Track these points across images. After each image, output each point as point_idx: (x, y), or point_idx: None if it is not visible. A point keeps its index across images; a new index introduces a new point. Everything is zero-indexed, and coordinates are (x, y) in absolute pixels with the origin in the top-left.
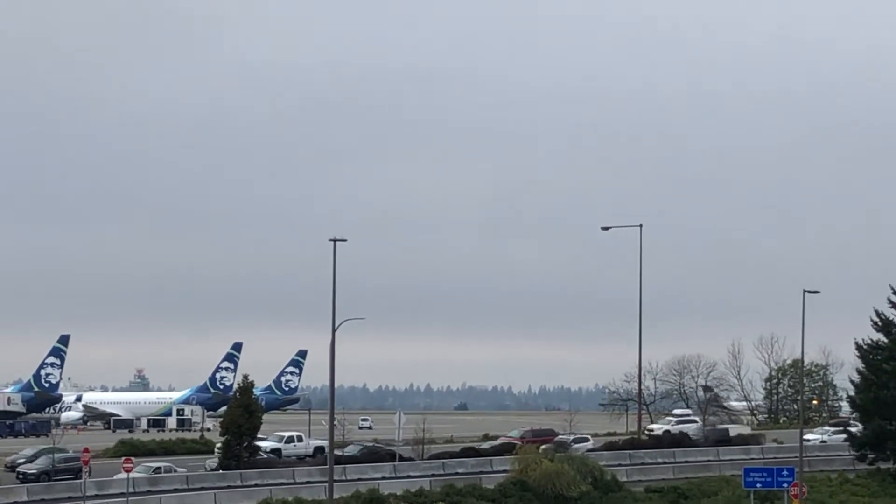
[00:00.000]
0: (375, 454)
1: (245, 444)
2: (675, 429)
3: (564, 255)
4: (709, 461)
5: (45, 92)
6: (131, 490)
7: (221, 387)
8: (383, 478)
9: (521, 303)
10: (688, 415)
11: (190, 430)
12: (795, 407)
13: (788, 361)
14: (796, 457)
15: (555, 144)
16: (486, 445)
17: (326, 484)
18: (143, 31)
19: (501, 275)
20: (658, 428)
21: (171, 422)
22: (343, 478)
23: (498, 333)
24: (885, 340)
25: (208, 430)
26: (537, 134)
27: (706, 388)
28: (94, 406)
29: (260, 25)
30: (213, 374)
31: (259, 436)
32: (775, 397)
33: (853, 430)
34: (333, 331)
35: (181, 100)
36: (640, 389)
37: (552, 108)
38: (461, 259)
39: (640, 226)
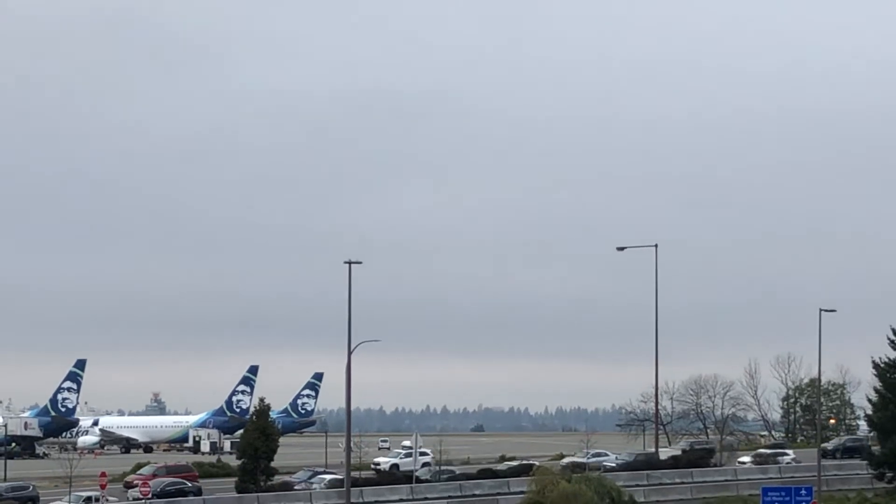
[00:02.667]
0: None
1: (262, 468)
2: (590, 461)
3: (580, 276)
4: (727, 481)
5: (61, 110)
6: None
7: (238, 410)
8: (400, 500)
9: (537, 324)
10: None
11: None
12: (813, 426)
13: (805, 380)
14: (813, 476)
15: (573, 165)
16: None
17: None
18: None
19: (517, 296)
20: (385, 462)
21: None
22: (360, 500)
23: (514, 355)
24: None
25: (225, 452)
26: (555, 156)
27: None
28: (111, 430)
29: (264, 51)
30: (230, 397)
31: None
32: (792, 416)
33: (790, 453)
34: (349, 353)
35: (197, 121)
36: (657, 410)
37: (569, 130)
38: (478, 281)
39: (656, 246)
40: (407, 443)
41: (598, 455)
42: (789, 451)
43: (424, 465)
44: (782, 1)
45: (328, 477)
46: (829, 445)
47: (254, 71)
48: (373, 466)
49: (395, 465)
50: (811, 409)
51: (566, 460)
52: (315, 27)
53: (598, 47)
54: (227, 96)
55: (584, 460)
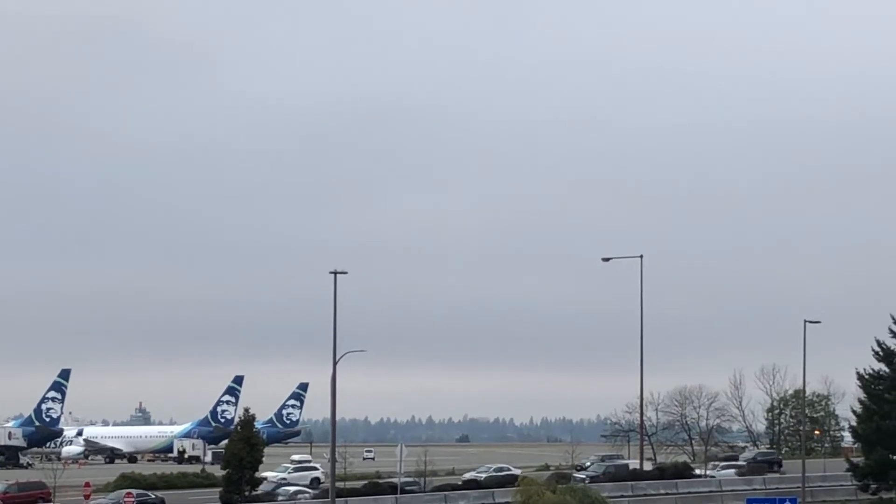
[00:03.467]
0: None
1: (247, 478)
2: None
3: (566, 286)
4: (711, 492)
5: (44, 121)
6: None
7: (223, 420)
8: None
9: (523, 334)
10: None
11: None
12: (797, 437)
13: (790, 391)
14: (798, 487)
15: (556, 174)
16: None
17: None
18: (135, 64)
19: (503, 306)
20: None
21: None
22: None
23: (499, 365)
24: (887, 370)
25: (207, 463)
26: (538, 164)
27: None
28: (96, 440)
29: (255, 60)
30: (215, 407)
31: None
32: (777, 427)
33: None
34: (334, 363)
35: (180, 133)
36: (641, 420)
37: (554, 137)
38: (463, 291)
39: (641, 256)
40: (296, 457)
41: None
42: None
43: (313, 479)
44: (770, 8)
45: (292, 489)
46: (742, 460)
47: (242, 79)
48: None
49: (283, 480)
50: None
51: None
52: (303, 35)
53: (586, 53)
54: (214, 103)
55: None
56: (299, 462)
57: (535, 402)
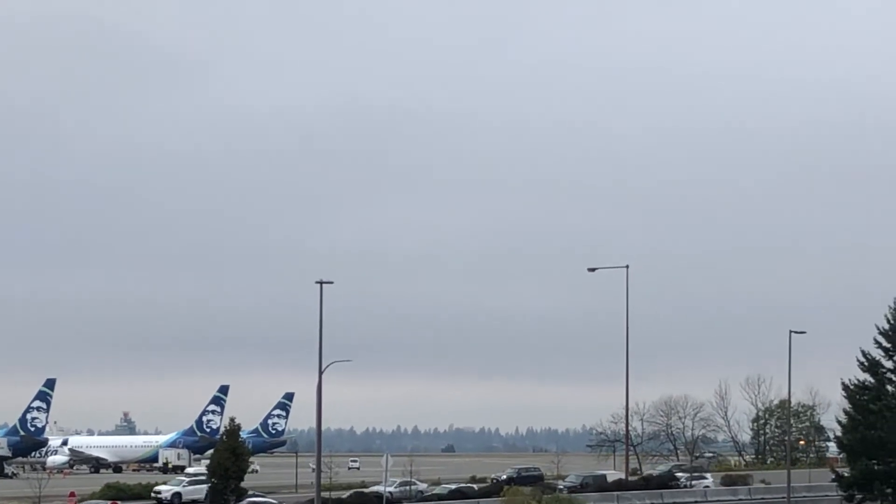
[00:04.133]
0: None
1: (232, 488)
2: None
3: (551, 296)
4: (696, 502)
5: (29, 131)
6: None
7: (208, 430)
8: None
9: (508, 344)
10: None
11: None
12: (783, 447)
13: (775, 402)
14: (783, 497)
15: (544, 184)
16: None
17: None
18: (128, 71)
19: (488, 317)
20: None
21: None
22: None
23: (484, 375)
24: (872, 380)
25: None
26: (527, 174)
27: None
28: (80, 450)
29: (247, 68)
30: (200, 417)
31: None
32: (762, 438)
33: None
34: (320, 373)
35: (166, 141)
36: (627, 430)
37: (547, 146)
38: (448, 301)
39: (627, 267)
40: (191, 469)
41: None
42: (707, 476)
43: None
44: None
45: (260, 500)
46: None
47: (227, 87)
48: (153, 495)
49: (178, 494)
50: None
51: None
52: (299, 40)
53: (574, 57)
54: (201, 111)
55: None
56: (194, 475)
57: (520, 411)
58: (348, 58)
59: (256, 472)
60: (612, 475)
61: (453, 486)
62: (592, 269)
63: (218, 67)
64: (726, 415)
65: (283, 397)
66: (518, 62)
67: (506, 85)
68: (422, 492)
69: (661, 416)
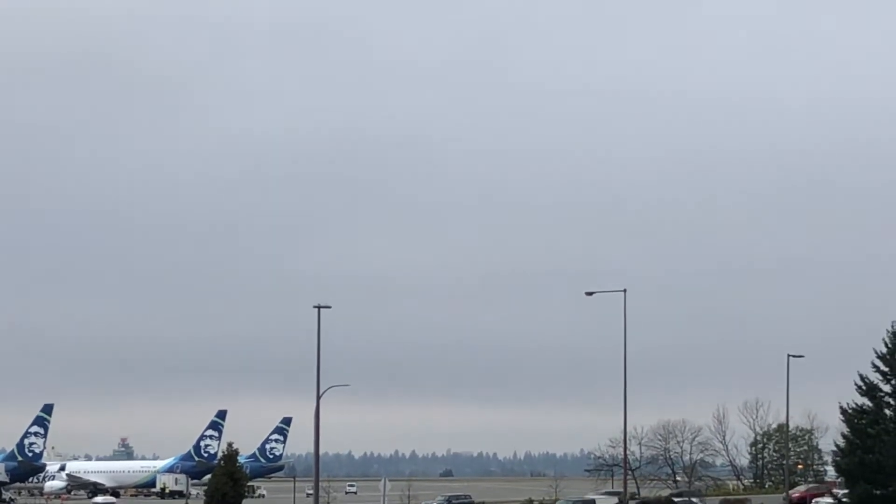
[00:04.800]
0: None
1: None
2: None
3: (549, 320)
4: None
5: (23, 157)
6: None
7: (206, 455)
8: None
9: (506, 368)
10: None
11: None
12: (781, 471)
13: (773, 426)
14: None
15: (541, 207)
16: None
17: None
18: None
19: (485, 340)
20: None
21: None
22: None
23: (482, 399)
24: (870, 404)
25: (192, 496)
26: (525, 196)
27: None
28: (78, 475)
29: (237, 92)
30: (198, 442)
31: None
32: (761, 462)
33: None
34: (318, 398)
35: (164, 165)
36: (625, 455)
37: (543, 169)
38: (445, 325)
39: (625, 291)
40: (99, 499)
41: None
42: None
43: None
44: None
45: None
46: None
47: (223, 112)
48: None
49: None
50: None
51: None
52: (284, 69)
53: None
54: (197, 137)
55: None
56: None
57: (518, 436)
58: (339, 84)
59: (264, 496)
60: (603, 500)
61: None
62: (590, 293)
63: (199, 93)
64: (724, 439)
65: (281, 422)
66: (513, 85)
67: (498, 108)
68: None
69: (660, 440)
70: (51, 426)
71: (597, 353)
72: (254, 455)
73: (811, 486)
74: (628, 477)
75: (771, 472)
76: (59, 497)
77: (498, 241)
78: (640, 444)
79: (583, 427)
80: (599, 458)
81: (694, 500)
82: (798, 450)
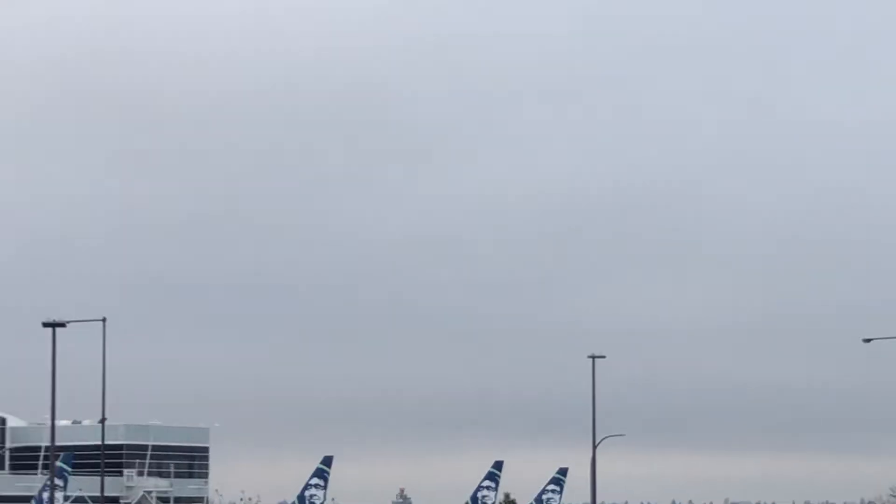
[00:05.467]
0: None
1: None
2: None
3: (825, 364)
4: None
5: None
6: None
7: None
8: None
9: (782, 414)
10: None
11: None
12: None
13: None
14: None
15: (811, 254)
16: None
17: None
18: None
19: (760, 389)
20: None
21: None
22: None
23: (757, 447)
24: None
25: None
26: (794, 237)
27: None
28: None
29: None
30: (475, 493)
31: None
32: None
33: None
34: (594, 447)
35: (422, 224)
36: None
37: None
38: (721, 370)
39: None
40: None
41: None
42: None
43: None
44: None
45: None
46: None
47: (491, 168)
48: None
49: None
50: None
51: None
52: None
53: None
54: (450, 194)
55: None
56: None
57: (797, 484)
58: (616, 136)
59: None
60: None
61: None
62: (868, 340)
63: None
64: None
65: (557, 472)
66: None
67: (767, 154)
68: None
69: None
70: (330, 477)
71: (881, 397)
72: None
73: None
74: None
75: None
76: None
77: (770, 286)
78: None
79: (865, 475)
80: None
81: None
82: None
